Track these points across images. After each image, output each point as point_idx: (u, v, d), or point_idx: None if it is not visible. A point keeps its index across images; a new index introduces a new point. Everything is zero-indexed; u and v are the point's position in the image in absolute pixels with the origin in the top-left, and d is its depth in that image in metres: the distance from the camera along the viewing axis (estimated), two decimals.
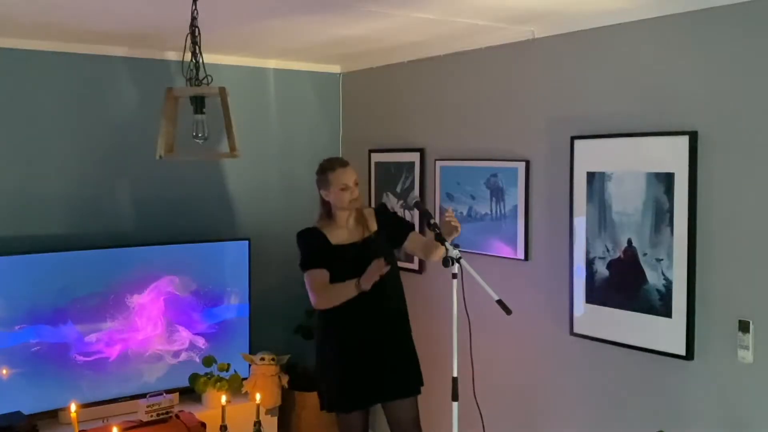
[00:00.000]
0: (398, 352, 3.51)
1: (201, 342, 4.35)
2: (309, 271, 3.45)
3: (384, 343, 3.47)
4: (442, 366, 3.74)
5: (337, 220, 3.51)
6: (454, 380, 2.82)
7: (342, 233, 3.49)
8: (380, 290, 3.30)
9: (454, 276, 2.83)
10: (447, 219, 3.19)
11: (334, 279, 3.41)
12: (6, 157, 3.97)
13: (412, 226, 3.66)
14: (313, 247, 3.47)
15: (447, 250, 2.91)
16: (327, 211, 3.53)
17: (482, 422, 3.23)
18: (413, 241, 3.58)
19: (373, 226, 3.54)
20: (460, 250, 2.92)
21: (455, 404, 2.82)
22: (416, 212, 4.12)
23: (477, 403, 3.09)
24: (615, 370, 3.33)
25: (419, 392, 3.56)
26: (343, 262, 3.42)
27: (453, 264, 2.84)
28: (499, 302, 2.85)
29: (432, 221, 3.12)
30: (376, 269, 3.22)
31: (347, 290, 3.32)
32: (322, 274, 3.42)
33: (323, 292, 3.41)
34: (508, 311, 2.85)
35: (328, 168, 3.48)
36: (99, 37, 3.94)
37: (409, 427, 3.54)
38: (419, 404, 3.58)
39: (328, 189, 3.46)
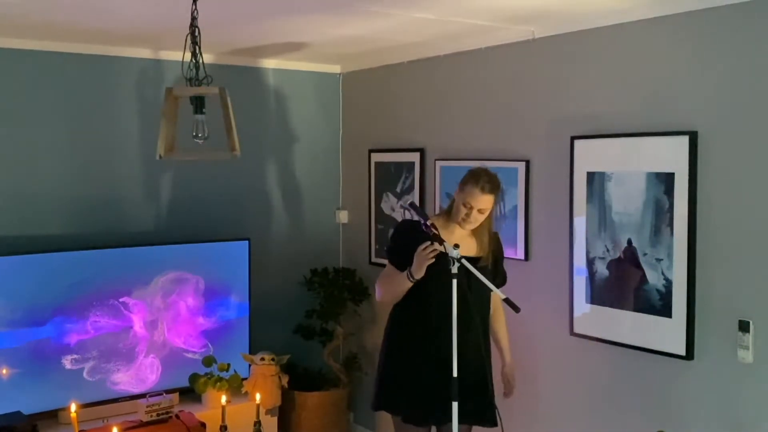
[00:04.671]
0: (479, 378, 3.14)
1: (201, 342, 4.35)
2: (388, 265, 3.29)
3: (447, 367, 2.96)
4: None
5: (452, 221, 3.22)
6: (454, 380, 2.82)
7: (448, 239, 3.02)
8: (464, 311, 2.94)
9: (454, 276, 2.83)
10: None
11: (414, 286, 3.17)
12: (6, 157, 3.97)
13: (503, 281, 3.36)
14: (405, 245, 3.15)
15: (447, 250, 2.89)
16: (449, 208, 3.28)
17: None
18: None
19: (485, 249, 3.23)
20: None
21: (455, 404, 2.83)
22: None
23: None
24: (615, 370, 3.33)
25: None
26: (430, 270, 3.09)
27: (453, 264, 2.83)
28: (506, 300, 2.83)
29: (429, 222, 3.01)
30: (423, 256, 3.00)
31: (400, 280, 3.13)
32: (393, 273, 3.22)
33: (383, 283, 3.27)
34: (516, 309, 2.82)
35: (473, 179, 3.14)
36: (99, 37, 3.94)
37: None
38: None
39: (460, 194, 3.17)
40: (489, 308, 3.35)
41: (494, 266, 3.28)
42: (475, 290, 3.05)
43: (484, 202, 3.12)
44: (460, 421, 2.88)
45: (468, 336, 3.04)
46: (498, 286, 3.12)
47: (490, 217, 3.22)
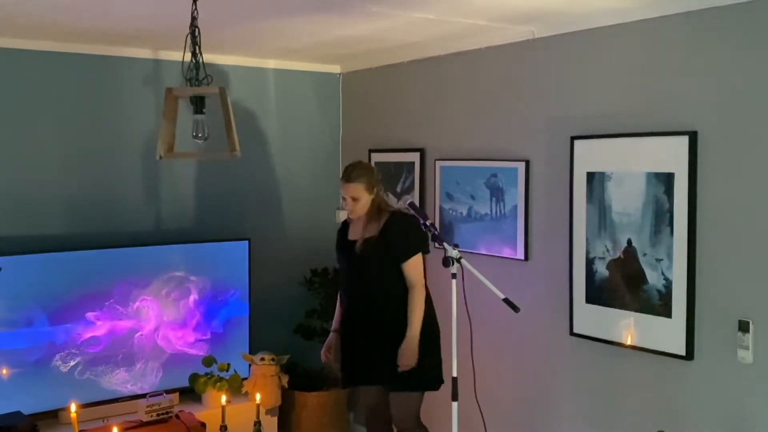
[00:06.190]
0: (372, 343, 3.58)
1: (201, 342, 4.35)
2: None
3: (359, 331, 3.63)
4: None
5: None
6: (454, 380, 2.82)
7: (356, 228, 3.64)
8: (359, 284, 3.61)
9: (454, 276, 2.83)
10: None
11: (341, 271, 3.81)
12: (6, 157, 3.97)
13: (404, 259, 3.50)
14: (337, 240, 3.80)
15: (446, 250, 2.90)
16: None
17: (483, 422, 3.23)
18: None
19: (374, 230, 3.53)
20: (459, 250, 2.92)
21: (455, 404, 2.83)
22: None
23: (478, 403, 3.09)
24: (615, 370, 3.33)
25: (397, 389, 3.54)
26: (346, 257, 3.67)
27: (453, 264, 2.84)
28: (506, 300, 2.83)
29: (429, 222, 3.14)
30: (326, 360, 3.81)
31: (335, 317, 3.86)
32: (340, 268, 3.85)
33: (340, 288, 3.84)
34: (515, 309, 2.83)
35: (343, 172, 3.61)
36: (99, 37, 3.94)
37: (395, 420, 3.65)
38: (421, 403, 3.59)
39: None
40: (392, 281, 3.52)
41: (387, 242, 3.49)
42: (364, 266, 3.52)
43: (350, 190, 3.51)
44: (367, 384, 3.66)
45: (359, 307, 3.61)
46: (399, 261, 3.48)
47: (365, 209, 3.54)
